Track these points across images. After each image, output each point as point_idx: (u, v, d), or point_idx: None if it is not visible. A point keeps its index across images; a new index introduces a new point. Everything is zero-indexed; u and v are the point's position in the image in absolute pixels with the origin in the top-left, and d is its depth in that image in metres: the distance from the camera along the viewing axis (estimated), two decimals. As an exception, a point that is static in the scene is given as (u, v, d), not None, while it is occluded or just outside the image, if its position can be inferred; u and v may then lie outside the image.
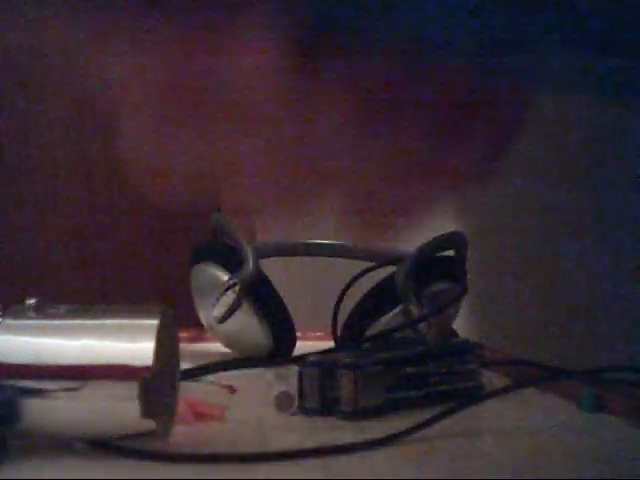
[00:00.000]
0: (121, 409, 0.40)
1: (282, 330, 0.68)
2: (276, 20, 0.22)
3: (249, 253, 0.67)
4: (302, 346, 0.68)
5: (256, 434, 0.46)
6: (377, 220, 0.28)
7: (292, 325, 0.69)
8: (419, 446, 0.42)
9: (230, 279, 0.66)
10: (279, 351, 0.68)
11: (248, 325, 0.67)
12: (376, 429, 0.44)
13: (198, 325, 0.71)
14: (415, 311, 0.63)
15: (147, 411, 0.40)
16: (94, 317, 0.43)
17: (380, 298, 0.65)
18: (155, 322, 0.41)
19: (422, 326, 0.63)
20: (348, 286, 0.69)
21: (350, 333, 0.66)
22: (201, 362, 0.62)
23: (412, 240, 0.68)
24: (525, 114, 0.28)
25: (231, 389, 0.56)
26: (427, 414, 0.44)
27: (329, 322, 0.69)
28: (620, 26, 0.24)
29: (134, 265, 1.87)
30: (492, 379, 0.57)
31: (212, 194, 0.26)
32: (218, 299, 0.66)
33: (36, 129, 1.85)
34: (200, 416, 0.48)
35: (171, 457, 0.41)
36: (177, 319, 0.44)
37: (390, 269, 0.67)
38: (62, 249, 1.86)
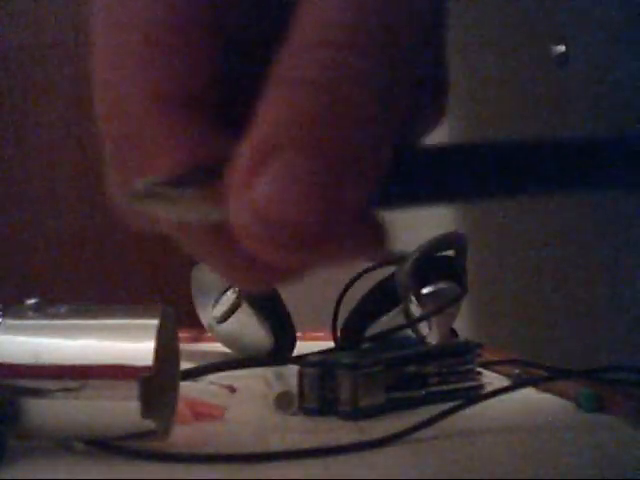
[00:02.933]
0: (121, 409, 0.40)
1: (282, 330, 0.68)
2: None
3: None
4: (302, 346, 0.68)
5: (256, 434, 0.46)
6: None
7: (292, 325, 0.69)
8: (419, 446, 0.42)
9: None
10: (279, 351, 0.68)
11: (248, 325, 0.67)
12: (376, 429, 0.44)
13: (198, 325, 0.71)
14: (415, 311, 0.63)
15: (147, 411, 0.40)
16: (94, 317, 0.43)
17: (380, 298, 0.65)
18: (155, 322, 0.41)
19: (422, 326, 0.62)
20: (348, 286, 0.69)
21: (350, 333, 0.66)
22: (201, 362, 0.62)
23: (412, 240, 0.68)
24: None
25: (231, 389, 0.56)
26: (427, 414, 0.44)
27: (329, 322, 0.69)
28: None
29: (134, 265, 1.87)
30: (492, 379, 0.57)
31: None
32: (218, 299, 0.66)
33: (36, 129, 1.85)
34: (200, 416, 0.48)
35: (171, 457, 0.41)
36: (177, 319, 0.44)
37: (390, 269, 0.67)
38: (62, 249, 1.86)
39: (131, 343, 0.41)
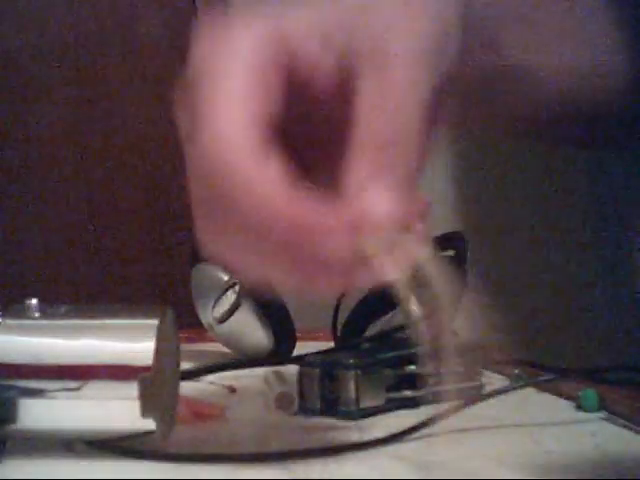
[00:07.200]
0: (121, 409, 0.40)
1: (282, 330, 0.68)
2: None
3: (249, 253, 0.67)
4: (302, 346, 0.68)
5: (256, 434, 0.46)
6: None
7: (292, 325, 0.69)
8: (419, 446, 0.42)
9: (230, 279, 0.66)
10: (279, 351, 0.68)
11: (248, 325, 0.67)
12: (376, 429, 0.44)
13: (198, 325, 0.71)
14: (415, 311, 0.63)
15: (147, 411, 0.40)
16: (94, 317, 0.43)
17: (380, 298, 0.65)
18: (155, 322, 0.41)
19: (422, 326, 0.62)
20: (348, 286, 0.69)
21: (350, 333, 0.66)
22: (201, 362, 0.62)
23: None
24: None
25: (231, 389, 0.56)
26: (427, 414, 0.44)
27: (329, 322, 0.69)
28: None
29: (134, 265, 1.87)
30: (492, 379, 0.57)
31: None
32: (218, 299, 0.66)
33: (36, 129, 1.85)
34: (200, 416, 0.48)
35: (171, 457, 0.41)
36: (177, 319, 0.44)
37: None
38: (62, 249, 1.86)
39: (131, 343, 0.41)
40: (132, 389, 0.40)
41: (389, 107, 0.35)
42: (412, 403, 0.50)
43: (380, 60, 0.36)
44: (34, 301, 0.42)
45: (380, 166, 0.35)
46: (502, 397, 0.48)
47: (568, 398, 0.51)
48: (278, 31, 0.36)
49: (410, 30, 0.37)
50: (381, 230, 0.34)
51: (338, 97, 0.37)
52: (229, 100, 0.34)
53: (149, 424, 0.40)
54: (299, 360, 0.53)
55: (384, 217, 0.34)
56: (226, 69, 0.35)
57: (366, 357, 0.50)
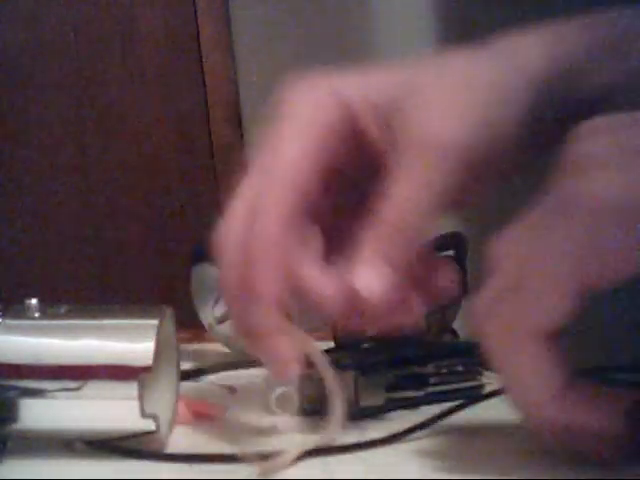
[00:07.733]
0: (121, 409, 0.40)
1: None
2: None
3: (249, 253, 0.67)
4: (302, 346, 0.68)
5: (256, 434, 0.46)
6: None
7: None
8: (419, 446, 0.42)
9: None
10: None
11: (248, 325, 0.67)
12: (376, 429, 0.44)
13: (198, 325, 0.71)
14: (415, 311, 0.63)
15: (147, 411, 0.40)
16: (94, 317, 0.43)
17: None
18: (155, 322, 0.41)
19: (422, 326, 0.62)
20: (348, 286, 0.69)
21: (350, 333, 0.66)
22: (201, 362, 0.62)
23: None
24: None
25: (231, 389, 0.56)
26: (427, 414, 0.44)
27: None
28: None
29: (134, 265, 1.87)
30: (492, 379, 0.57)
31: None
32: (218, 299, 0.66)
33: (36, 129, 1.85)
34: (200, 416, 0.48)
35: (171, 457, 0.41)
36: (177, 319, 0.44)
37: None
38: (62, 249, 1.86)
39: (131, 343, 0.41)
40: (132, 389, 0.40)
41: (404, 199, 0.39)
42: (412, 403, 0.50)
43: (412, 148, 0.39)
44: (34, 301, 0.42)
45: (381, 248, 0.39)
46: (502, 397, 0.48)
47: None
48: (338, 97, 0.40)
49: (447, 123, 0.39)
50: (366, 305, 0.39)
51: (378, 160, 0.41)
52: (284, 165, 0.40)
53: (149, 424, 0.40)
54: (299, 360, 0.53)
55: (366, 295, 0.39)
56: (287, 133, 0.40)
57: (366, 357, 0.50)
